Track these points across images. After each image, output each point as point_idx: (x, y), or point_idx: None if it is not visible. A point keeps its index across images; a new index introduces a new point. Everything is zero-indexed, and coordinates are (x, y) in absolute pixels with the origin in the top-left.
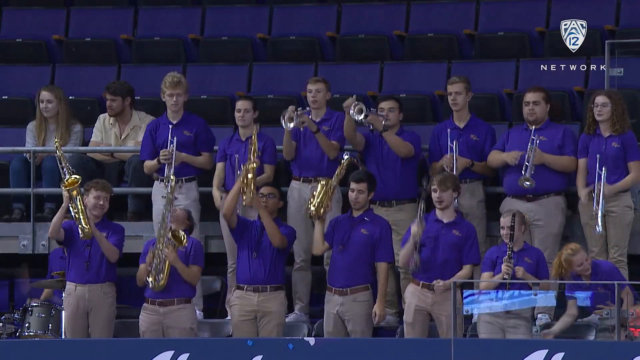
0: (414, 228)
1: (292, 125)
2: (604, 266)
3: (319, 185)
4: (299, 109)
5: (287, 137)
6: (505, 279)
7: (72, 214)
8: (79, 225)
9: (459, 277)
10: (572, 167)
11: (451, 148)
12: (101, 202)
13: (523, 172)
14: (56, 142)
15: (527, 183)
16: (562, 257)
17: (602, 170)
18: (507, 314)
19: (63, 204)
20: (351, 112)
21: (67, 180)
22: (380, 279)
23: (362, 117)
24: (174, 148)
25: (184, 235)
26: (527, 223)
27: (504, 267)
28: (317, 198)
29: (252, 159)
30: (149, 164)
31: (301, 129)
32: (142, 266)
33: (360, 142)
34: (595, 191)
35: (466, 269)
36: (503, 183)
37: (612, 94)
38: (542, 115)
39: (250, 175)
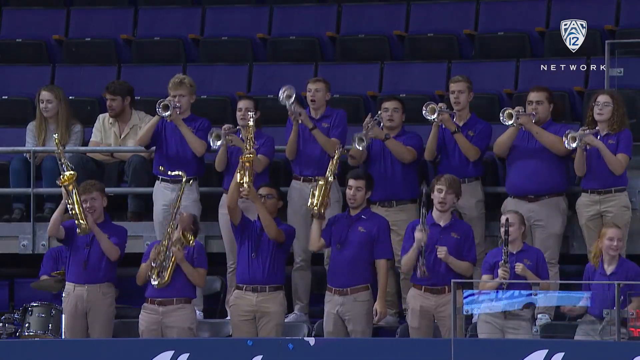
0: (419, 235)
1: (219, 143)
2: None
3: (318, 185)
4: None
5: (294, 136)
6: (503, 285)
7: (69, 209)
8: (76, 221)
9: (459, 266)
10: (564, 147)
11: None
12: (89, 205)
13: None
14: (56, 139)
15: None
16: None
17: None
18: (507, 314)
19: (62, 201)
20: (356, 145)
21: (63, 177)
22: (380, 276)
23: (364, 144)
24: (177, 107)
25: (191, 237)
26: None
27: (500, 272)
28: (319, 197)
29: (248, 148)
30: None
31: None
32: (143, 265)
33: (363, 156)
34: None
35: (466, 264)
36: (504, 183)
37: (614, 94)
38: (544, 115)
39: (247, 165)
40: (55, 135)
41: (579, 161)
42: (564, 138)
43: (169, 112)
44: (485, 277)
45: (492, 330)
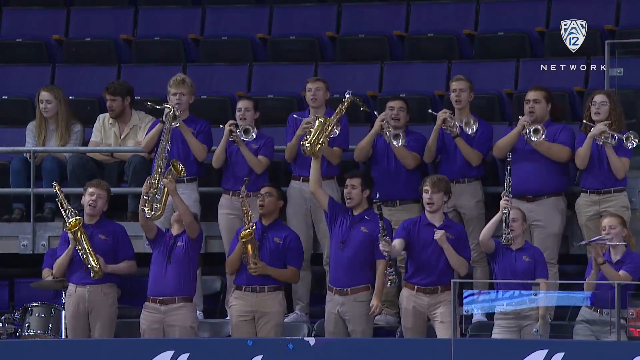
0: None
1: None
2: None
3: (317, 121)
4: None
5: (295, 142)
6: (505, 213)
7: (80, 255)
8: (89, 265)
9: (452, 255)
10: (562, 155)
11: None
12: (94, 199)
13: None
14: (55, 186)
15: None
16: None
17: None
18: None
19: (69, 246)
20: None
21: (69, 223)
22: (378, 274)
23: (401, 140)
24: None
25: (182, 167)
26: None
27: (502, 202)
28: (314, 135)
29: (246, 222)
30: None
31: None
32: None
33: (369, 155)
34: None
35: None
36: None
37: (611, 94)
38: (541, 114)
39: (249, 244)
40: (54, 183)
41: (586, 152)
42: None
43: (177, 122)
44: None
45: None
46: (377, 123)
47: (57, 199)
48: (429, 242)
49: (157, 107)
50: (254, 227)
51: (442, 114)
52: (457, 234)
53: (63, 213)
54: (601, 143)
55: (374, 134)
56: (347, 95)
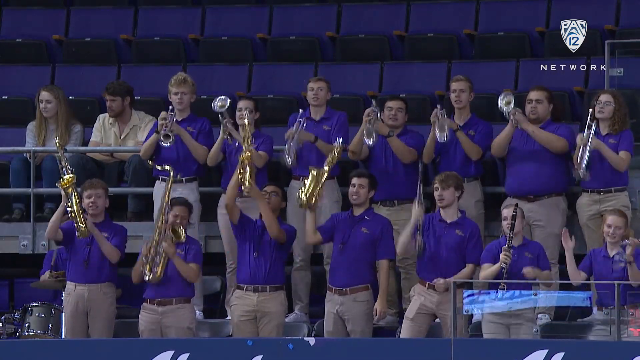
0: (415, 210)
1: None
2: None
3: (310, 174)
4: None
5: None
6: (503, 268)
7: (68, 212)
8: (75, 224)
9: (461, 276)
10: (559, 145)
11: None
12: (93, 200)
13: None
14: (57, 142)
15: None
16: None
17: (592, 123)
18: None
19: (61, 204)
20: (365, 140)
21: (63, 180)
22: (382, 276)
23: (374, 139)
24: (174, 117)
25: (182, 232)
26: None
27: (502, 255)
28: (309, 187)
29: (246, 146)
30: (147, 144)
31: (301, 145)
32: (137, 262)
33: (364, 153)
34: (584, 138)
35: (468, 268)
36: (504, 183)
37: (617, 94)
38: (543, 114)
39: (247, 162)
40: (57, 138)
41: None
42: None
43: (170, 142)
44: (485, 265)
45: (497, 329)
46: (364, 120)
47: (57, 154)
48: (437, 238)
49: (158, 167)
50: (253, 151)
51: (433, 117)
52: (470, 233)
53: (60, 170)
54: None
55: (362, 132)
56: (336, 144)
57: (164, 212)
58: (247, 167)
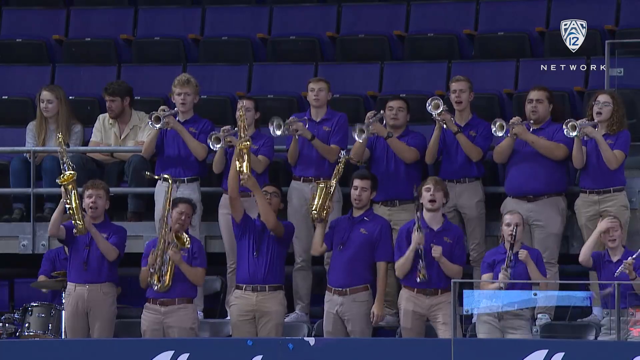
0: (416, 236)
1: (218, 145)
2: None
3: (318, 187)
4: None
5: (294, 146)
6: (502, 287)
7: (66, 209)
8: (73, 221)
9: (450, 269)
10: (559, 153)
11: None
12: (93, 200)
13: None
14: (59, 138)
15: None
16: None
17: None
18: (507, 314)
19: (61, 200)
20: (355, 137)
21: (63, 176)
22: (380, 279)
23: (364, 136)
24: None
25: (186, 238)
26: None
27: (501, 276)
28: (319, 200)
29: (242, 136)
30: (147, 140)
31: (295, 136)
32: (144, 269)
33: (366, 156)
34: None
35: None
36: (504, 183)
37: (615, 95)
38: (544, 114)
39: (244, 151)
40: (59, 134)
41: (577, 152)
42: (563, 126)
43: (160, 124)
44: (485, 276)
45: (491, 330)
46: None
47: (58, 150)
48: (427, 246)
49: (156, 177)
50: (250, 140)
51: (442, 112)
52: (456, 238)
53: (61, 166)
54: (573, 135)
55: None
56: (342, 156)
57: (166, 221)
58: (245, 156)
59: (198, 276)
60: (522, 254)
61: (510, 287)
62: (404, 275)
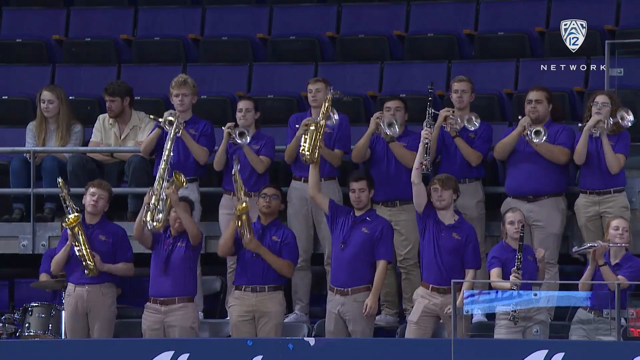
0: (424, 132)
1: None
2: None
3: (309, 130)
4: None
5: (294, 144)
6: (513, 289)
7: (76, 252)
8: (84, 263)
9: (466, 286)
10: (561, 157)
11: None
12: (95, 199)
13: None
14: (60, 182)
15: None
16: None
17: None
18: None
19: (67, 242)
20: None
21: (68, 219)
22: (377, 275)
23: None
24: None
25: (184, 178)
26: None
27: (512, 278)
28: (309, 142)
29: (241, 197)
30: (148, 139)
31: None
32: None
33: (367, 156)
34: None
35: (469, 275)
36: (504, 183)
37: (613, 95)
38: (543, 114)
39: (244, 217)
40: (59, 179)
41: (582, 147)
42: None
43: (174, 126)
44: (495, 271)
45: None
46: (372, 122)
47: (60, 195)
48: (434, 241)
49: (160, 119)
50: (248, 204)
51: (444, 112)
52: (467, 236)
53: (65, 209)
54: (598, 134)
55: (370, 134)
56: (329, 95)
57: (167, 160)
58: (245, 222)
59: (201, 155)
60: (540, 253)
61: (523, 287)
62: (415, 173)
